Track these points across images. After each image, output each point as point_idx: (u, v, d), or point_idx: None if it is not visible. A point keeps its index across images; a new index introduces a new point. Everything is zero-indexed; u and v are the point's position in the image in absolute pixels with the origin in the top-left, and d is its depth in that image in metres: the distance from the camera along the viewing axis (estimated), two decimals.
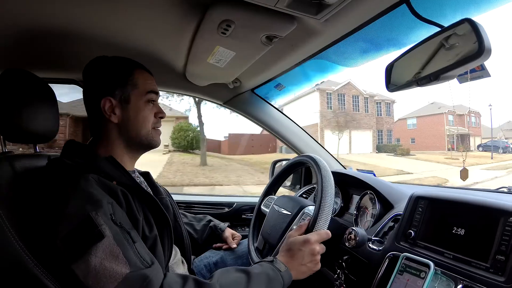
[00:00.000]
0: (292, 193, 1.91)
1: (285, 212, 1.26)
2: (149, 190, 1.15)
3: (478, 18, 0.79)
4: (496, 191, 1.36)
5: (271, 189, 1.54)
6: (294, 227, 1.16)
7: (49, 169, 0.96)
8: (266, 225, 1.34)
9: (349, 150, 27.48)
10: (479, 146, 32.04)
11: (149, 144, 1.10)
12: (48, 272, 0.82)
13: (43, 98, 1.13)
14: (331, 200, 1.06)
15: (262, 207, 1.49)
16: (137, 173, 1.19)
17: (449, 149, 32.27)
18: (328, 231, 1.04)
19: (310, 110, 27.03)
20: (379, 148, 30.54)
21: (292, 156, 1.58)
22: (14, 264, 0.82)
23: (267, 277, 0.92)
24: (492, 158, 23.75)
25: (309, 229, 1.05)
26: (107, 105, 1.02)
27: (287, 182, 2.06)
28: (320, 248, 1.02)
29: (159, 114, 1.12)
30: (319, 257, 1.02)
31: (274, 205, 1.37)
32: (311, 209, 1.21)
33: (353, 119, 27.98)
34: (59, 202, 0.82)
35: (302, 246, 1.00)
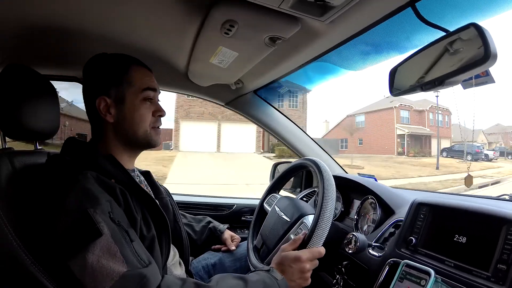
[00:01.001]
0: (293, 196, 1.90)
1: (284, 217, 1.25)
2: (148, 189, 1.15)
3: (483, 23, 0.78)
4: (498, 198, 1.35)
5: (274, 187, 1.52)
6: (292, 235, 1.14)
7: (48, 166, 0.96)
8: (266, 226, 1.33)
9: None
10: (443, 150, 28.57)
11: (147, 144, 1.09)
12: (45, 269, 0.81)
13: (44, 94, 1.13)
14: (330, 215, 1.03)
15: (264, 204, 1.48)
16: (137, 172, 1.18)
17: (399, 153, 29.21)
18: (322, 249, 1.02)
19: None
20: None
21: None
22: (11, 261, 0.82)
23: (264, 285, 0.91)
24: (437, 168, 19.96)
25: (304, 243, 1.03)
26: (102, 104, 1.02)
27: (288, 185, 2.05)
28: (310, 266, 1.00)
29: (158, 113, 1.10)
30: (309, 274, 1.00)
31: (275, 206, 1.36)
32: (310, 219, 1.18)
33: None
34: (57, 199, 0.82)
35: (292, 263, 0.99)
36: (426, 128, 30.37)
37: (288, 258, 1.00)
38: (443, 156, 26.89)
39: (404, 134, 29.53)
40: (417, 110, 31.07)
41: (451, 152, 27.00)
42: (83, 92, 1.08)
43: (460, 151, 25.47)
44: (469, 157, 24.34)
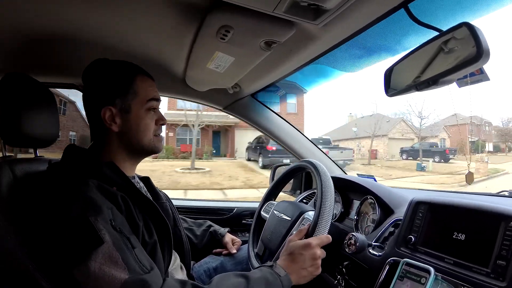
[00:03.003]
0: (292, 198, 1.91)
1: (285, 217, 1.26)
2: (148, 195, 1.16)
3: (476, 22, 0.79)
4: (497, 195, 1.36)
5: (271, 195, 1.54)
6: (294, 232, 1.15)
7: (49, 174, 0.97)
8: (266, 231, 1.34)
9: None
10: (402, 152, 26.25)
11: (151, 151, 1.10)
12: (48, 277, 0.82)
13: (43, 102, 1.14)
14: (331, 205, 1.06)
15: (262, 212, 1.48)
16: (137, 179, 1.18)
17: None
18: (329, 235, 1.04)
19: None
20: None
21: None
22: (14, 268, 0.83)
23: (266, 282, 0.92)
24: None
25: (310, 233, 1.05)
26: (107, 114, 1.02)
27: (287, 187, 2.06)
28: (321, 253, 1.02)
29: (160, 121, 1.11)
30: (320, 261, 1.02)
31: (274, 211, 1.37)
32: (311, 214, 1.21)
33: None
34: (59, 207, 0.82)
35: (303, 250, 1.00)
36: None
37: (298, 245, 1.01)
38: (403, 158, 25.46)
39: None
40: None
41: (410, 153, 25.07)
42: (84, 99, 1.08)
43: (424, 151, 22.87)
44: (436, 159, 22.05)
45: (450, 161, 22.45)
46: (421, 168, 18.90)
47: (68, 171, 0.93)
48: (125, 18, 1.10)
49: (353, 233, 1.08)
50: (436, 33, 0.87)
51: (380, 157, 27.70)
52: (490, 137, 33.70)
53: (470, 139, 29.57)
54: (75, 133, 16.88)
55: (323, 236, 1.04)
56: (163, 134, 1.16)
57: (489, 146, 31.87)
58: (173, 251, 1.14)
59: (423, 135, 26.13)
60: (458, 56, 0.81)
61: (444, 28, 0.84)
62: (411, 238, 0.99)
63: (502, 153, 30.19)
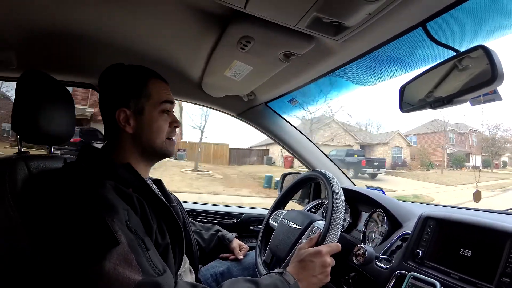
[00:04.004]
0: (300, 207, 1.92)
1: (294, 226, 1.28)
2: (162, 197, 1.17)
3: (492, 43, 0.80)
4: (505, 212, 1.36)
5: (280, 204, 1.55)
6: (304, 240, 1.16)
7: (65, 172, 0.98)
8: (275, 239, 1.34)
9: None
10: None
11: (164, 154, 1.11)
12: (61, 274, 0.83)
13: (60, 100, 1.16)
14: (341, 215, 1.07)
15: (270, 221, 1.50)
16: (151, 181, 1.20)
17: None
18: (339, 244, 1.05)
19: None
20: None
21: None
22: (22, 264, 0.84)
23: None
24: None
25: (320, 241, 1.05)
26: (121, 115, 1.04)
27: (296, 196, 2.06)
28: (331, 261, 1.02)
29: (174, 124, 1.12)
30: (329, 269, 1.02)
31: (283, 219, 1.38)
32: (320, 223, 1.22)
33: None
34: (76, 207, 0.83)
35: (313, 258, 1.00)
36: None
37: (309, 253, 1.02)
38: None
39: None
40: None
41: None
42: (100, 101, 1.10)
43: (340, 161, 18.02)
44: (351, 172, 17.54)
45: (379, 176, 19.06)
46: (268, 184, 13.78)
47: (85, 171, 0.95)
48: (147, 22, 1.13)
49: (362, 245, 1.09)
50: (452, 53, 0.88)
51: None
52: (477, 149, 27.88)
53: (448, 151, 26.09)
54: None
55: (333, 244, 1.04)
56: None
57: (475, 160, 26.89)
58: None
59: (363, 140, 23.97)
60: (471, 74, 0.83)
61: (460, 47, 0.86)
62: (419, 252, 1.00)
63: (496, 169, 25.30)
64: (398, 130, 27.29)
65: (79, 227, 0.81)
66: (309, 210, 1.79)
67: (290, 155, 2.26)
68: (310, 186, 2.07)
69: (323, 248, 1.02)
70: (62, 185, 0.91)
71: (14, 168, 0.96)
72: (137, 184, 0.99)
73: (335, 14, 0.85)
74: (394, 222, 1.25)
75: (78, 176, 0.93)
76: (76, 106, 1.23)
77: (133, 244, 0.80)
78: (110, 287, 0.75)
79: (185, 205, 1.43)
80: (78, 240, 0.79)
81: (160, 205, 1.02)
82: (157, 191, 1.18)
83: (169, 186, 1.32)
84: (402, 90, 1.05)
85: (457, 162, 25.66)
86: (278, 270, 1.02)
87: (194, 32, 1.15)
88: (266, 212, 1.55)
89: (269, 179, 13.96)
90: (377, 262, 1.10)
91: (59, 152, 1.28)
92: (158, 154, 1.11)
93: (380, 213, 1.31)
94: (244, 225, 2.12)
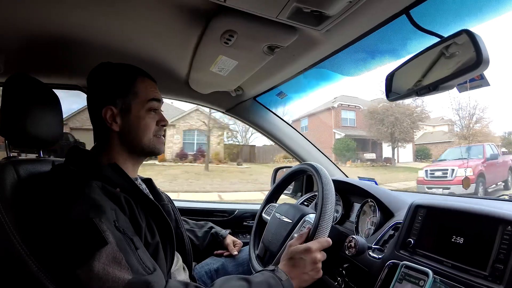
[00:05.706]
0: (293, 201, 1.92)
1: (286, 220, 1.27)
2: (150, 196, 1.17)
3: (477, 28, 0.80)
4: (497, 198, 1.36)
5: (272, 197, 1.55)
6: (295, 235, 1.16)
7: (53, 175, 0.97)
8: (267, 233, 1.34)
9: None
10: None
11: (151, 152, 1.11)
12: (51, 276, 0.83)
13: (47, 103, 1.15)
14: (331, 208, 1.07)
15: (263, 214, 1.49)
16: (140, 180, 1.20)
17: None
18: (329, 239, 1.04)
19: None
20: None
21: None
22: (18, 268, 0.83)
23: (268, 286, 0.92)
24: None
25: (310, 237, 1.05)
26: (108, 113, 1.04)
27: (288, 190, 2.06)
28: (321, 256, 1.02)
29: (161, 122, 1.12)
30: (320, 264, 1.02)
31: (275, 213, 1.38)
32: (311, 217, 1.22)
33: None
34: (63, 208, 0.83)
35: (303, 255, 1.00)
36: None
37: (299, 250, 1.01)
38: None
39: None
40: None
41: None
42: (87, 101, 1.10)
43: None
44: None
45: None
46: None
47: (72, 172, 0.94)
48: (130, 21, 1.11)
49: (353, 236, 1.08)
50: (437, 39, 0.88)
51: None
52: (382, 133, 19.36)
53: (336, 134, 20.14)
54: None
55: (323, 239, 1.04)
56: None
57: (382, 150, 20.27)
58: (176, 252, 1.15)
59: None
60: (459, 61, 0.82)
61: (446, 34, 0.86)
62: (410, 241, 1.00)
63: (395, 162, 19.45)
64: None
65: (67, 229, 0.81)
66: (302, 203, 1.79)
67: None
68: (302, 179, 2.07)
69: (313, 244, 1.02)
70: (49, 188, 0.91)
71: (3, 172, 0.94)
72: (124, 183, 0.99)
73: (315, 4, 0.84)
74: (386, 212, 1.25)
75: (65, 178, 0.93)
76: None
77: (121, 244, 0.81)
78: (101, 287, 0.75)
79: (177, 204, 1.42)
80: (67, 242, 0.80)
81: (149, 204, 1.02)
82: (146, 191, 1.18)
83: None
84: (389, 78, 1.05)
85: (342, 151, 18.71)
86: (270, 267, 1.02)
87: (178, 28, 1.14)
88: (258, 207, 1.55)
89: None
90: (369, 253, 1.10)
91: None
92: (146, 152, 1.10)
93: (372, 203, 1.31)
94: (238, 221, 2.11)
